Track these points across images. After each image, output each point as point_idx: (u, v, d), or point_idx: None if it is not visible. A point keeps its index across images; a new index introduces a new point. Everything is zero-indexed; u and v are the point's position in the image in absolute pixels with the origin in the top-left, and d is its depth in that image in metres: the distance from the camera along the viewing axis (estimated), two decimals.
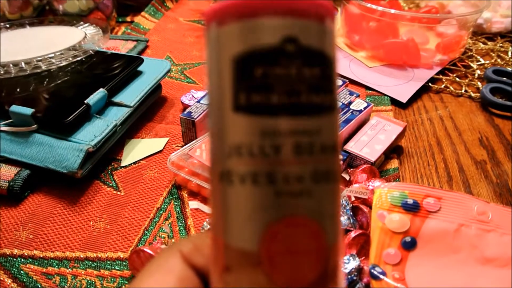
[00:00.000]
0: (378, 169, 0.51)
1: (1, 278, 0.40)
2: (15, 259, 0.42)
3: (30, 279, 0.41)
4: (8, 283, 0.40)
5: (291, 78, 0.13)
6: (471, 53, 0.78)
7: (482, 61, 0.76)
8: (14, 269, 0.41)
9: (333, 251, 0.14)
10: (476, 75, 0.72)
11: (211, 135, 0.15)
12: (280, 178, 0.13)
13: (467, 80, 0.70)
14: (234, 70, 0.14)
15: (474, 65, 0.74)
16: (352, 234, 0.42)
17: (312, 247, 0.14)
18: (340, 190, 0.16)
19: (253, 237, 0.14)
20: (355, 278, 0.39)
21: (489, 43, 0.81)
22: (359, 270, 0.39)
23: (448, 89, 0.69)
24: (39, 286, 0.40)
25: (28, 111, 0.48)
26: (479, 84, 0.69)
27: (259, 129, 0.14)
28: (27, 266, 0.42)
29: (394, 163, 0.54)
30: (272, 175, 0.13)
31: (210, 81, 0.15)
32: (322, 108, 0.14)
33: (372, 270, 0.38)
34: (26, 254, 0.43)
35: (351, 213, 0.44)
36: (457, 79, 0.71)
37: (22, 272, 0.41)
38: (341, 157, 0.50)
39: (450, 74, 0.72)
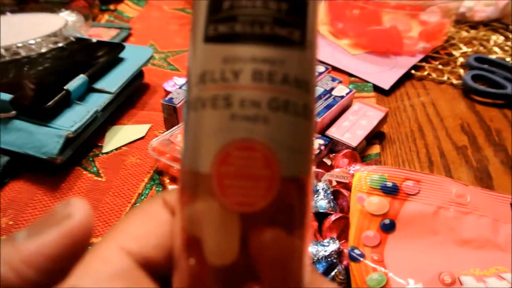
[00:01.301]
0: (360, 154, 0.51)
1: None
2: None
3: None
4: None
5: (255, 9, 0.14)
6: (454, 41, 0.78)
7: (465, 49, 0.76)
8: None
9: (289, 184, 0.14)
10: (459, 63, 0.72)
11: (188, 71, 0.15)
12: (236, 101, 0.14)
13: (449, 68, 0.71)
14: (208, 6, 0.15)
15: (456, 53, 0.75)
16: (333, 218, 0.42)
17: (262, 174, 0.14)
18: (310, 128, 0.15)
19: (207, 159, 0.14)
20: (335, 261, 0.39)
21: (471, 31, 0.82)
22: (339, 253, 0.39)
23: (430, 76, 0.69)
24: None
25: (7, 97, 0.47)
26: (461, 71, 0.70)
27: (222, 56, 0.14)
28: None
29: (375, 149, 0.54)
30: (229, 98, 0.14)
31: (192, 22, 0.16)
32: (287, 41, 0.14)
33: (351, 252, 0.38)
34: None
35: (331, 197, 0.44)
36: (440, 66, 0.71)
37: None
38: (322, 142, 0.50)
39: (432, 61, 0.73)
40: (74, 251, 0.15)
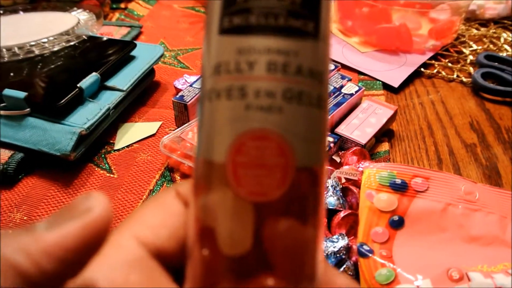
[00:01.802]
0: (369, 152, 0.52)
1: None
2: None
3: None
4: None
5: (269, 2, 0.14)
6: (464, 39, 0.78)
7: (475, 47, 0.76)
8: None
9: (303, 174, 0.14)
10: (468, 61, 0.72)
11: (202, 63, 0.16)
12: (251, 92, 0.14)
13: (459, 66, 0.71)
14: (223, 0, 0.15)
15: (466, 51, 0.75)
16: (342, 214, 0.43)
17: (276, 163, 0.14)
18: (324, 119, 0.15)
19: (221, 149, 0.14)
20: (343, 256, 0.39)
21: (482, 29, 0.82)
22: (347, 249, 0.40)
23: (440, 74, 0.69)
24: None
25: (21, 94, 0.48)
26: (471, 69, 0.70)
27: (236, 47, 0.14)
28: None
29: (384, 146, 0.54)
30: (244, 89, 0.14)
31: (206, 16, 0.16)
32: (301, 33, 0.14)
33: (360, 248, 0.39)
34: None
35: (341, 194, 0.45)
36: (449, 64, 0.71)
37: None
38: (332, 139, 0.50)
39: (442, 59, 0.73)
40: (93, 244, 0.15)
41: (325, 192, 0.45)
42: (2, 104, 0.49)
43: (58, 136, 0.47)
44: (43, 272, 0.14)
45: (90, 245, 0.15)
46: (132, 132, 0.55)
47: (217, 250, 0.14)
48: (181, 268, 0.16)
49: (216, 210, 0.14)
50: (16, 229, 0.16)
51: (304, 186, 0.15)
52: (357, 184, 0.45)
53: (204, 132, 0.15)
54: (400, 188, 0.42)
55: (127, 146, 0.53)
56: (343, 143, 0.52)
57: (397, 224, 0.40)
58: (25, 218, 0.45)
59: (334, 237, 0.40)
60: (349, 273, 0.39)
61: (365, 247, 0.39)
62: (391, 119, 0.55)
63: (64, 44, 0.56)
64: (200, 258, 0.15)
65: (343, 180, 0.47)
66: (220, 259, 0.14)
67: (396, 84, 0.65)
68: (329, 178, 0.46)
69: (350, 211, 0.43)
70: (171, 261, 0.16)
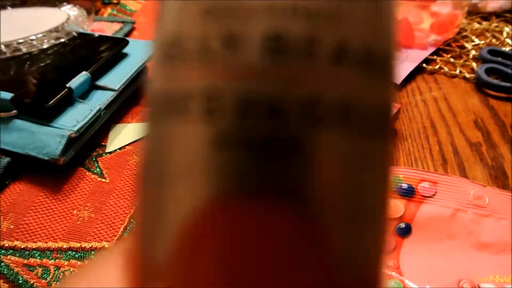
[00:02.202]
0: None
1: None
2: None
3: (11, 271, 0.39)
4: None
5: None
6: (466, 33, 0.76)
7: (477, 41, 0.74)
8: None
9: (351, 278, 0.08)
10: (471, 56, 0.70)
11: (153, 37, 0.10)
12: (230, 107, 0.08)
13: (461, 61, 0.69)
14: None
15: (468, 46, 0.73)
16: None
17: (290, 269, 0.07)
18: (388, 165, 0.09)
19: (167, 236, 0.08)
20: None
21: (484, 22, 0.80)
22: None
23: (442, 70, 0.67)
24: (20, 278, 0.39)
25: (8, 95, 0.46)
26: (474, 64, 0.68)
27: (202, 5, 0.08)
28: (8, 257, 0.40)
29: None
30: (215, 99, 0.08)
31: None
32: None
33: None
34: (7, 245, 0.41)
35: None
36: (452, 59, 0.69)
37: (2, 264, 0.40)
38: None
39: (444, 54, 0.71)
40: None
41: None
42: None
43: (47, 139, 0.45)
44: None
45: None
46: (124, 134, 0.53)
47: None
48: None
49: None
50: None
51: None
52: None
53: (146, 188, 0.09)
54: (406, 193, 0.40)
55: (120, 149, 0.51)
56: None
57: (404, 231, 0.38)
58: (12, 226, 0.42)
59: None
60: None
61: None
62: (394, 117, 0.53)
63: (53, 41, 0.53)
64: None
65: None
66: None
67: (397, 80, 0.63)
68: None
69: None
70: None
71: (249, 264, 0.07)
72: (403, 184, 0.40)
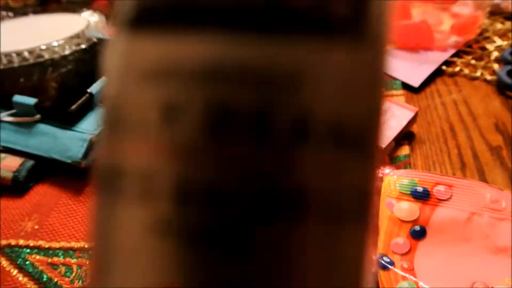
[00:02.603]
0: (388, 156, 0.50)
1: (7, 269, 0.40)
2: (20, 250, 0.42)
3: (36, 270, 0.41)
4: (14, 274, 0.40)
5: None
6: (488, 34, 0.75)
7: (500, 42, 0.73)
8: (19, 259, 0.41)
9: None
10: (493, 57, 0.69)
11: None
12: (168, 189, 0.07)
13: (483, 63, 0.68)
14: None
15: (490, 47, 0.72)
16: None
17: None
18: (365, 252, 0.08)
19: None
20: None
21: (507, 23, 0.78)
22: None
23: (462, 72, 0.66)
24: (45, 276, 0.40)
25: (31, 101, 0.48)
26: (496, 66, 0.67)
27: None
28: (33, 256, 0.42)
29: (405, 150, 0.52)
30: (152, 179, 0.07)
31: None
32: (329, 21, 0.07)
33: (380, 260, 0.37)
34: (32, 244, 0.43)
35: None
36: (473, 61, 0.68)
37: (27, 262, 0.41)
38: None
39: (465, 56, 0.70)
40: None
41: None
42: (12, 111, 0.48)
43: (69, 143, 0.47)
44: None
45: None
46: None
47: None
48: None
49: None
50: None
51: None
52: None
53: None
54: (421, 196, 0.40)
55: None
56: None
57: (418, 234, 0.38)
58: (36, 227, 0.44)
59: None
60: (369, 285, 0.37)
61: (385, 258, 0.37)
62: (412, 121, 0.53)
63: (74, 47, 0.55)
64: None
65: None
66: None
67: (416, 83, 0.63)
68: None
69: None
70: None
71: None
72: (418, 188, 0.40)
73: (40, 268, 0.41)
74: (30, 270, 0.41)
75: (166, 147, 0.06)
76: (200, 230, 0.06)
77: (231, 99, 0.06)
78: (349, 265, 0.08)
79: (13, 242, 0.43)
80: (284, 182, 0.06)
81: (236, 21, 0.06)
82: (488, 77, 0.65)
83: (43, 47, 0.54)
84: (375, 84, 0.08)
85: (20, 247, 0.42)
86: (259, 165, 0.06)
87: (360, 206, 0.08)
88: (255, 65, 0.06)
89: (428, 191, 0.40)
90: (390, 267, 0.36)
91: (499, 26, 0.77)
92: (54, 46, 0.54)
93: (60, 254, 0.42)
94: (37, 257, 0.42)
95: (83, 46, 0.56)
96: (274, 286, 0.07)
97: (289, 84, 0.06)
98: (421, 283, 0.35)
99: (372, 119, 0.08)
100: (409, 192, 0.40)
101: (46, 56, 0.53)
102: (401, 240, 0.38)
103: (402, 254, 0.38)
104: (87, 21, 0.60)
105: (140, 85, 0.07)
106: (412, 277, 0.36)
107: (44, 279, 0.40)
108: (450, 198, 0.40)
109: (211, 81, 0.06)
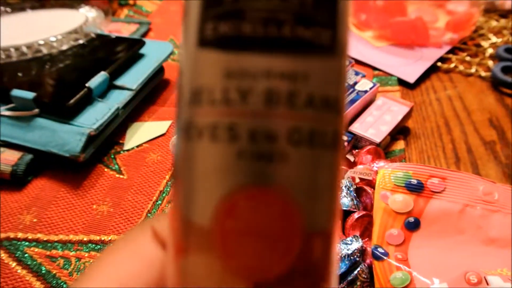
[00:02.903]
0: (384, 150, 0.50)
1: (6, 262, 0.41)
2: (19, 243, 0.42)
3: (34, 262, 0.41)
4: (13, 266, 0.40)
5: (270, 2, 0.11)
6: (483, 31, 0.75)
7: (494, 40, 0.73)
8: (18, 252, 0.42)
9: (313, 241, 0.11)
10: (487, 54, 0.70)
11: (178, 81, 0.12)
12: (244, 134, 0.11)
13: (477, 59, 0.69)
14: None
15: (485, 44, 0.72)
16: (356, 216, 0.41)
17: (280, 231, 0.11)
18: (339, 162, 0.12)
19: (205, 210, 0.11)
20: (357, 259, 0.38)
21: (501, 20, 0.79)
22: (362, 251, 0.39)
23: (457, 69, 0.67)
24: (43, 269, 0.40)
25: (30, 95, 0.48)
26: (490, 63, 0.68)
27: (224, 68, 0.11)
28: (31, 249, 0.42)
29: (400, 144, 0.53)
30: (235, 129, 0.11)
31: (183, 15, 0.12)
32: (314, 47, 0.11)
33: (375, 251, 0.37)
34: (30, 237, 0.43)
35: (354, 195, 0.44)
36: (468, 58, 0.69)
37: (26, 255, 0.41)
38: (345, 138, 0.49)
39: (460, 53, 0.70)
40: None
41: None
42: (10, 105, 0.49)
43: (67, 137, 0.47)
44: None
45: None
46: (141, 132, 0.54)
47: None
48: None
49: (201, 280, 0.11)
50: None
51: (314, 256, 0.11)
52: (371, 184, 0.44)
53: (182, 182, 0.12)
54: (416, 188, 0.40)
55: (137, 146, 0.53)
56: (357, 142, 0.51)
57: (413, 226, 0.39)
58: (35, 220, 0.44)
59: (348, 239, 0.39)
60: (363, 276, 0.38)
61: (379, 249, 0.38)
62: (407, 116, 0.53)
63: (72, 42, 0.55)
64: None
65: (357, 180, 0.46)
66: None
67: (412, 79, 0.63)
68: (343, 178, 0.45)
69: (364, 212, 0.42)
70: None
71: (255, 228, 0.11)
72: (412, 180, 0.41)
73: (39, 260, 0.41)
74: (29, 262, 0.41)
75: (242, 112, 0.11)
76: (263, 153, 0.11)
77: (275, 87, 0.11)
78: (331, 169, 0.12)
79: (11, 235, 0.43)
80: (302, 127, 0.11)
81: (268, 44, 0.11)
82: (483, 74, 0.66)
83: (41, 42, 0.54)
84: (342, 76, 0.12)
85: (19, 240, 0.43)
86: (290, 120, 0.11)
87: (338, 140, 0.12)
88: (284, 69, 0.11)
89: (422, 183, 0.40)
90: (384, 257, 0.37)
91: (494, 23, 0.78)
92: (52, 41, 0.54)
93: (58, 247, 0.42)
94: (36, 249, 0.42)
95: (81, 41, 0.56)
96: (295, 179, 0.11)
97: (302, 78, 0.11)
98: (414, 273, 0.36)
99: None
100: (403, 185, 0.40)
101: (44, 51, 0.54)
102: (396, 231, 0.39)
103: (397, 245, 0.38)
104: (85, 16, 0.60)
105: (223, 77, 0.11)
106: (406, 267, 0.36)
107: (43, 272, 0.40)
108: (443, 190, 0.40)
109: (265, 77, 0.11)
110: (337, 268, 0.15)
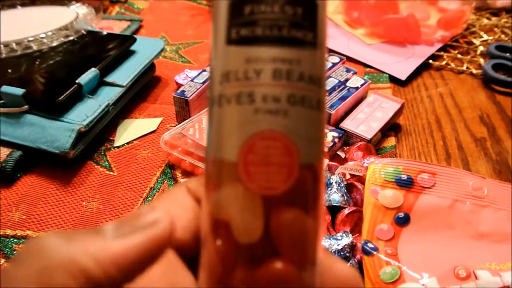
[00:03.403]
0: (375, 147, 0.50)
1: None
2: (8, 240, 0.42)
3: None
4: (1, 263, 0.40)
5: (274, 14, 0.16)
6: (474, 29, 0.76)
7: (486, 37, 0.74)
8: (7, 249, 0.41)
9: (306, 170, 0.16)
10: (479, 52, 0.70)
11: (210, 69, 0.17)
12: (259, 97, 0.16)
13: (469, 57, 0.69)
14: (229, 10, 0.16)
15: (477, 41, 0.72)
16: (346, 211, 0.41)
17: (283, 161, 0.15)
18: (323, 120, 0.17)
19: (233, 149, 0.16)
20: (348, 254, 0.38)
21: (493, 18, 0.79)
22: (352, 247, 0.39)
23: (449, 66, 0.67)
24: None
25: (19, 91, 0.47)
26: (482, 60, 0.68)
27: (245, 57, 0.16)
28: (20, 246, 0.42)
29: (391, 141, 0.53)
30: (253, 95, 0.16)
31: (213, 24, 0.17)
32: (302, 43, 0.16)
33: (365, 246, 0.37)
34: (19, 234, 0.43)
35: (345, 191, 0.44)
36: (459, 55, 0.69)
37: (15, 252, 0.41)
38: (336, 134, 0.49)
39: (451, 50, 0.71)
40: (155, 255, 0.16)
41: (329, 189, 0.44)
42: (0, 102, 0.48)
43: (57, 133, 0.47)
44: (110, 278, 0.15)
45: (152, 256, 0.16)
46: (132, 129, 0.54)
47: (230, 240, 0.16)
48: (194, 258, 0.17)
49: (229, 204, 0.16)
50: (79, 231, 0.16)
51: (307, 181, 0.16)
52: (362, 180, 0.44)
53: (215, 134, 0.16)
54: (406, 184, 0.40)
55: (127, 143, 0.52)
56: (348, 138, 0.51)
57: (402, 221, 0.39)
58: (23, 217, 0.44)
59: (338, 234, 0.39)
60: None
61: (369, 244, 0.38)
62: (398, 113, 0.54)
63: (62, 39, 0.55)
64: (215, 249, 0.16)
65: (348, 176, 0.45)
66: (233, 248, 0.16)
67: (403, 76, 0.63)
68: (334, 174, 0.45)
69: (354, 208, 0.42)
70: (186, 251, 0.18)
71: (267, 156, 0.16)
72: (402, 175, 0.41)
73: None
74: None
75: (258, 84, 0.16)
76: (273, 112, 0.16)
77: (279, 67, 0.16)
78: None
79: (0, 232, 0.43)
80: (294, 91, 0.16)
81: (273, 41, 0.16)
82: (474, 71, 0.66)
83: (31, 38, 0.54)
84: (322, 62, 0.17)
85: (7, 237, 0.42)
86: (290, 88, 0.16)
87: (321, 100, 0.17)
88: (284, 56, 0.16)
89: (412, 179, 0.40)
90: (374, 252, 0.37)
91: (485, 21, 0.78)
92: (42, 38, 0.54)
93: None
94: None
95: (71, 38, 0.56)
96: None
97: (297, 62, 0.16)
98: (404, 268, 0.36)
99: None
100: (393, 180, 0.40)
101: (34, 47, 0.53)
102: (385, 226, 0.39)
103: (386, 240, 0.38)
104: (76, 13, 0.60)
105: (245, 63, 0.16)
106: (395, 262, 0.36)
107: None
108: (433, 185, 0.40)
109: (272, 62, 0.16)
110: (324, 201, 0.17)
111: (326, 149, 0.47)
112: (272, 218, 0.15)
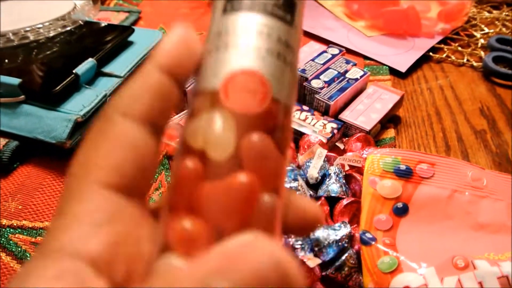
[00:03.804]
0: (374, 138, 0.50)
1: None
2: (4, 229, 0.42)
3: (19, 249, 0.40)
4: None
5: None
6: (475, 22, 0.75)
7: (486, 30, 0.73)
8: (3, 239, 0.41)
9: (275, 104, 0.18)
10: (479, 44, 0.70)
11: (208, 30, 0.20)
12: (243, 46, 0.18)
13: (469, 49, 0.69)
14: None
15: (477, 34, 0.72)
16: (344, 202, 0.41)
17: (258, 89, 0.18)
18: (293, 77, 0.19)
19: (219, 80, 0.18)
20: (346, 245, 0.38)
21: (494, 11, 0.79)
22: (350, 237, 0.38)
23: (449, 59, 0.67)
24: (28, 255, 0.40)
25: (16, 81, 0.47)
26: (482, 53, 0.67)
27: (236, 19, 0.19)
28: (16, 236, 0.41)
29: (390, 133, 0.52)
30: (238, 44, 0.18)
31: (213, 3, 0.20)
32: (282, 18, 0.19)
33: (363, 236, 0.37)
34: (15, 224, 0.42)
35: (344, 181, 0.43)
36: (459, 48, 0.69)
37: (11, 242, 0.41)
38: (335, 125, 0.49)
39: (452, 43, 0.70)
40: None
41: (327, 179, 0.43)
42: None
43: (54, 123, 0.46)
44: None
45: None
46: None
47: (201, 160, 0.17)
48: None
49: (207, 125, 0.17)
50: None
51: (277, 114, 0.18)
52: (361, 171, 0.44)
53: (209, 69, 0.19)
54: (404, 174, 0.40)
55: None
56: (347, 130, 0.50)
57: (401, 211, 0.39)
58: (20, 207, 0.44)
59: (336, 225, 0.39)
60: (351, 261, 0.37)
61: (367, 234, 0.37)
62: (397, 104, 0.53)
63: (59, 29, 0.55)
64: (184, 168, 0.17)
65: (347, 167, 0.45)
66: (206, 164, 0.17)
67: (403, 69, 0.63)
68: (332, 165, 0.45)
69: (353, 199, 0.41)
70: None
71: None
72: (401, 166, 0.40)
73: (24, 247, 0.41)
74: (14, 249, 0.40)
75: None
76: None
77: (262, 28, 0.19)
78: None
79: None
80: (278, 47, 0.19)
81: (259, 10, 0.19)
82: (474, 63, 0.66)
83: (28, 28, 0.53)
84: (297, 36, 0.20)
85: (3, 227, 0.42)
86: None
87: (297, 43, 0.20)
88: (269, 24, 0.19)
89: (411, 169, 0.40)
90: (372, 242, 0.37)
91: (486, 14, 0.78)
92: (39, 28, 0.54)
93: (43, 233, 0.42)
94: (21, 236, 0.41)
95: (68, 28, 0.55)
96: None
97: (278, 27, 0.19)
98: (402, 258, 0.36)
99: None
100: (392, 170, 0.40)
101: (31, 37, 0.53)
102: (384, 216, 0.38)
103: (385, 230, 0.38)
104: (73, 4, 0.60)
105: (234, 23, 0.19)
106: (394, 252, 0.36)
107: (28, 258, 0.40)
108: (432, 176, 0.40)
109: (257, 25, 0.19)
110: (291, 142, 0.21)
111: (325, 140, 0.47)
112: (244, 137, 0.17)
